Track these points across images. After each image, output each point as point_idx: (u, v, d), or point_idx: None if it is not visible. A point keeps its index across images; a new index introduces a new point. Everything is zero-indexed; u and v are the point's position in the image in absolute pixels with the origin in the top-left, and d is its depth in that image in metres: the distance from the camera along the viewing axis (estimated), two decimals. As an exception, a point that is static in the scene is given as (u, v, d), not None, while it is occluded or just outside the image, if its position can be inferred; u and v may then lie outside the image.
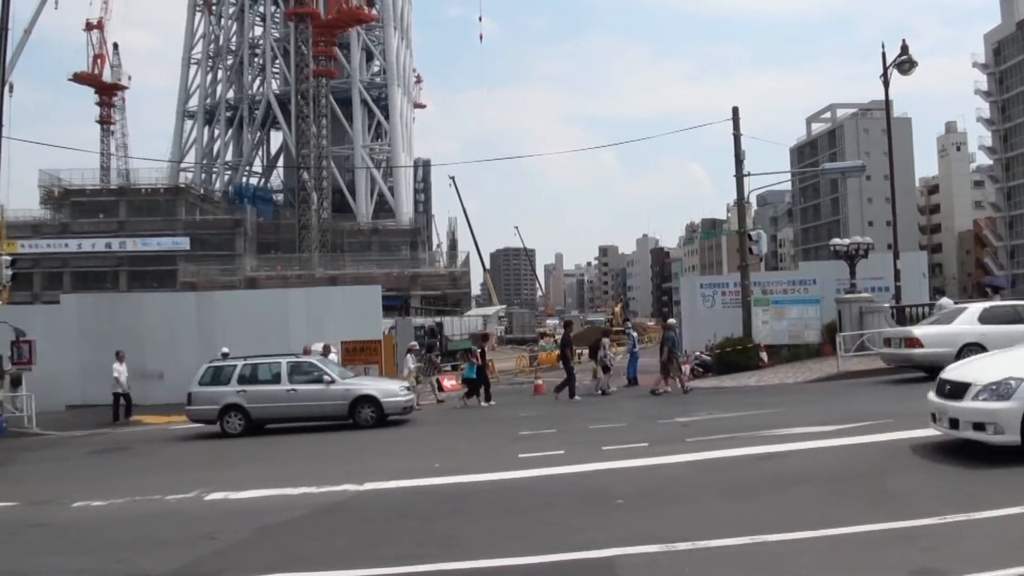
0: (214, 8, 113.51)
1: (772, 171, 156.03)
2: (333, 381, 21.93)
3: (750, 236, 32.31)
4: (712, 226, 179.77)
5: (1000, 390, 10.31)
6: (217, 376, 22.49)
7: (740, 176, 31.91)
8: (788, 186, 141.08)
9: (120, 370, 26.19)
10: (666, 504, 9.88)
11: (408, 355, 28.11)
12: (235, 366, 22.65)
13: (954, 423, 10.83)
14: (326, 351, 26.60)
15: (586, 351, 35.76)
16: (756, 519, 8.78)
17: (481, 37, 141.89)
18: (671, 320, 29.75)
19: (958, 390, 10.87)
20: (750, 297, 31.81)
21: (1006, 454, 10.20)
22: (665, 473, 12.12)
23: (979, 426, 10.43)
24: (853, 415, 15.44)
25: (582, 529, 9.16)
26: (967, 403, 10.62)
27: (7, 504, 13.24)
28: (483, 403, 26.17)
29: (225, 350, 27.63)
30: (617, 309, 72.98)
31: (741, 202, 33.61)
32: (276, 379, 22.14)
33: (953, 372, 11.54)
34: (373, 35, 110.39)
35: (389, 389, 22.32)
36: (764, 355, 30.10)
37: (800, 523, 8.43)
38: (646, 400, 24.33)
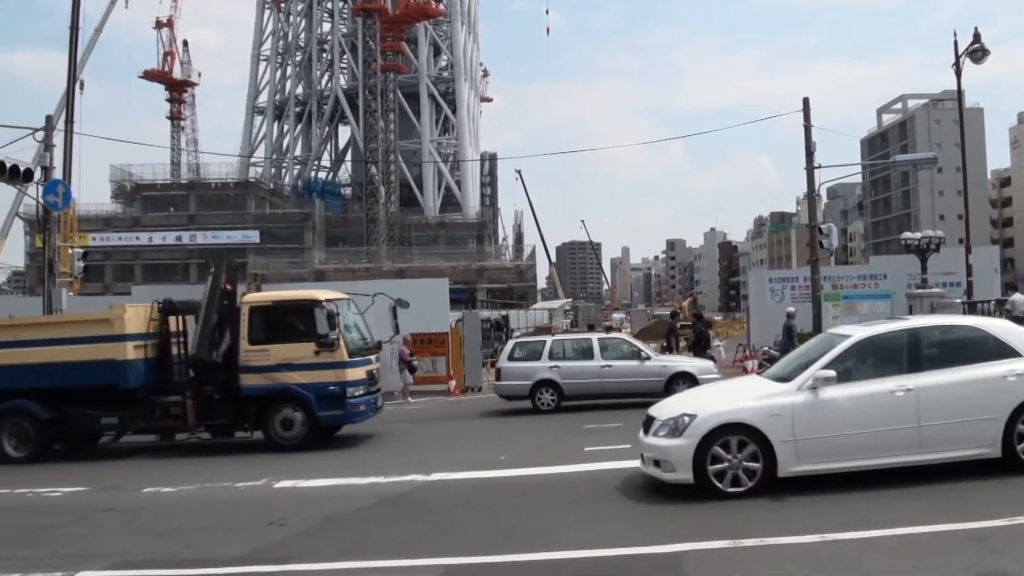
0: (283, 5, 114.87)
1: (842, 163, 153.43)
2: (648, 358, 21.94)
3: (820, 230, 31.78)
4: (781, 220, 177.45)
5: (675, 426, 10.06)
6: (527, 351, 22.58)
7: (811, 169, 31.37)
8: (859, 179, 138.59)
9: None
10: (732, 499, 9.80)
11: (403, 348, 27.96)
12: (544, 341, 22.82)
13: (643, 458, 10.67)
14: (405, 342, 26.58)
15: (652, 345, 35.51)
16: (823, 517, 8.69)
17: (548, 30, 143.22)
18: (791, 309, 29.19)
19: (648, 424, 10.70)
20: (820, 292, 31.36)
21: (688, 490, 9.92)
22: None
23: (657, 463, 10.25)
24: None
25: (647, 524, 9.15)
26: (648, 439, 10.44)
27: (78, 488, 13.56)
28: None
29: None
30: (685, 303, 72.40)
31: (811, 195, 33.07)
32: (588, 355, 22.15)
33: (654, 407, 11.27)
34: (440, 30, 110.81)
35: (705, 367, 22.11)
36: None
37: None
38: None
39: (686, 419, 9.99)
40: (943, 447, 9.78)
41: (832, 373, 9.91)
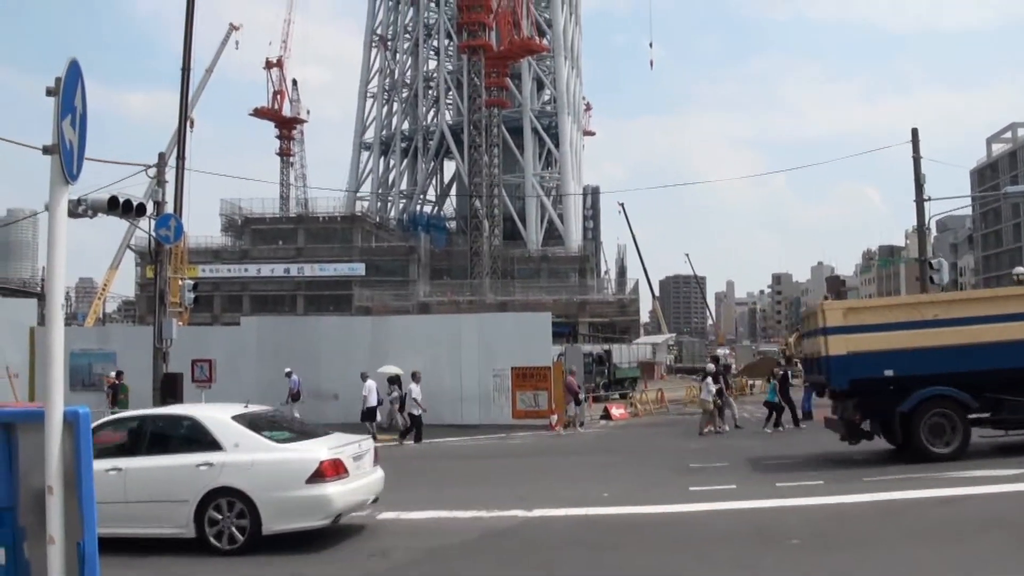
0: (389, 44, 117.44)
1: (952, 195, 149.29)
2: None
3: (931, 265, 30.90)
4: (890, 253, 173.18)
5: None
6: None
7: (920, 201, 30.54)
8: (968, 211, 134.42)
9: (417, 391, 25.57)
10: (842, 547, 9.47)
11: (707, 379, 27.55)
12: None
13: None
14: (415, 378, 25.72)
15: (757, 382, 34.86)
16: (939, 567, 8.33)
17: (652, 64, 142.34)
18: (718, 352, 28.65)
19: None
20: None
21: None
22: (841, 513, 11.66)
23: None
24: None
25: (752, 567, 8.89)
26: None
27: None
28: (788, 425, 25.80)
29: (288, 369, 28.31)
30: (791, 339, 71.00)
31: (922, 228, 32.21)
32: None
33: None
34: (544, 65, 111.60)
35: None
36: None
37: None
38: (821, 434, 23.53)
39: None
40: (148, 524, 10.70)
41: None
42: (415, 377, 25.51)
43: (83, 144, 4.98)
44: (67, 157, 4.78)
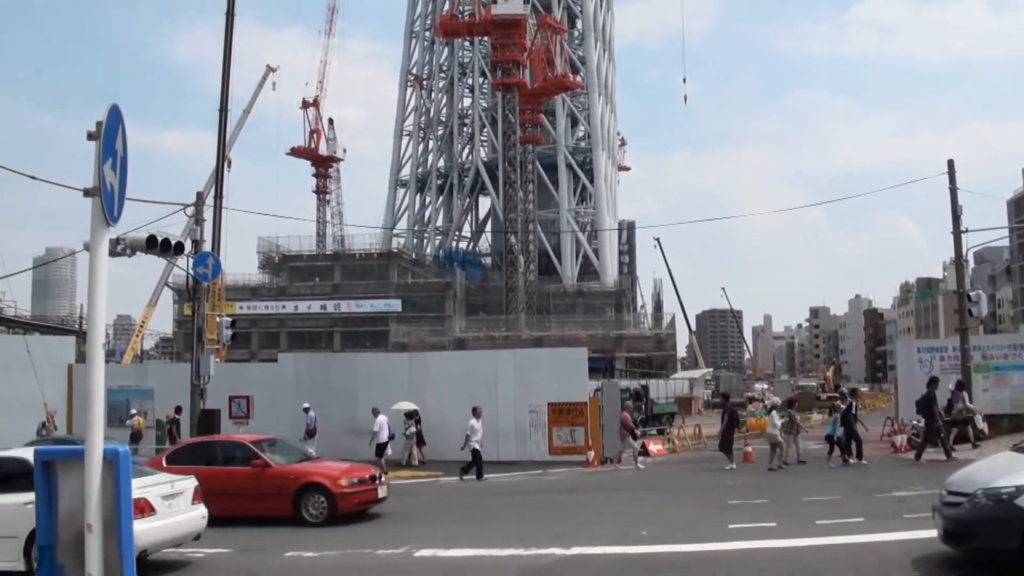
0: (425, 83, 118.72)
1: (989, 227, 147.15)
2: None
3: (969, 297, 30.52)
4: (927, 285, 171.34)
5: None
6: None
7: (958, 233, 30.21)
8: (1006, 242, 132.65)
9: (477, 427, 25.36)
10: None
11: (772, 412, 27.30)
12: None
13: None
14: (476, 414, 25.45)
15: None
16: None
17: (686, 99, 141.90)
18: (960, 379, 28.09)
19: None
20: (970, 363, 29.95)
21: None
22: (882, 551, 11.47)
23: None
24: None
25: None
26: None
27: (220, 551, 13.82)
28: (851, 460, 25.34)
29: (306, 405, 28.28)
30: (829, 373, 70.26)
31: (959, 261, 31.86)
32: None
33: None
34: (578, 101, 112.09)
35: None
36: (984, 426, 27.96)
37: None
38: (861, 471, 23.23)
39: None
40: None
41: None
42: (476, 413, 25.48)
43: (123, 187, 5.06)
44: (108, 200, 4.86)
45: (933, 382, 25.95)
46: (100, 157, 4.93)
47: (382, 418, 27.24)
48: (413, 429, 28.54)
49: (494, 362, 32.43)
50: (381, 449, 26.91)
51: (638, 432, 29.39)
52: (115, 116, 5.06)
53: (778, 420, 25.73)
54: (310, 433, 28.76)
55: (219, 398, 28.02)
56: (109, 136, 5.00)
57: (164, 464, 16.70)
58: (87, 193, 4.98)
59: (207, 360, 27.52)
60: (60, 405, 29.28)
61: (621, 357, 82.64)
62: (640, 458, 28.68)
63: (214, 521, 17.51)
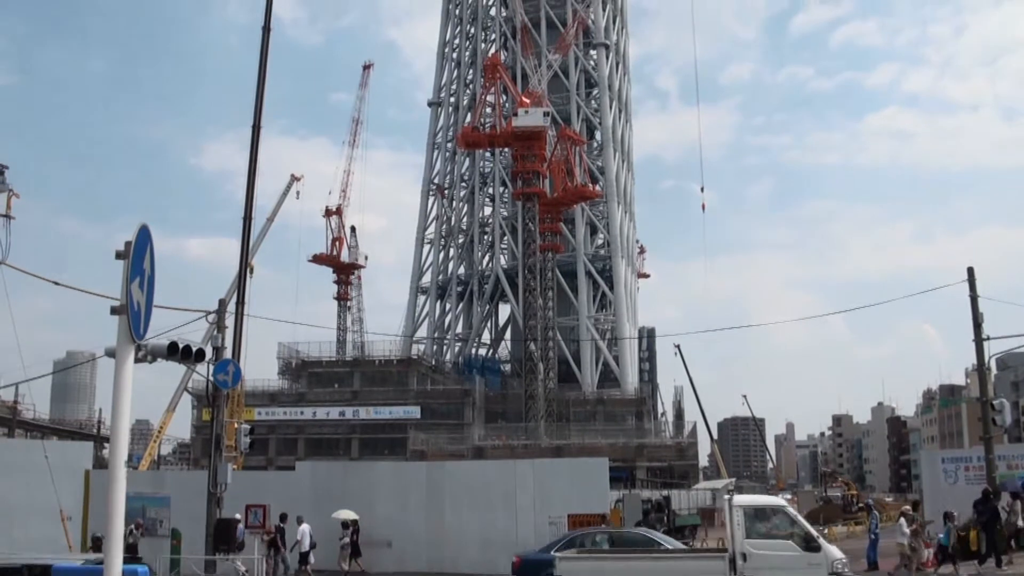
0: (446, 192, 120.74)
1: (1011, 334, 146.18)
2: None
3: (992, 406, 30.21)
4: (950, 392, 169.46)
5: None
6: None
7: (979, 341, 30.09)
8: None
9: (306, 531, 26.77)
10: None
11: (901, 519, 26.76)
12: None
13: None
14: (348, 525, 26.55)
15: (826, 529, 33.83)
16: None
17: (704, 207, 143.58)
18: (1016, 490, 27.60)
19: None
20: (995, 474, 29.48)
21: None
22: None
23: None
24: None
25: None
26: None
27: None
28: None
29: (299, 516, 27.95)
30: (852, 489, 69.27)
31: (982, 369, 31.61)
32: None
33: None
34: (597, 210, 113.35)
35: None
36: (1012, 540, 27.32)
37: None
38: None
39: None
40: None
41: None
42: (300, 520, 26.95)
43: (150, 305, 5.13)
44: (135, 318, 4.94)
45: (993, 496, 25.73)
46: (128, 276, 5.01)
47: (305, 527, 27.37)
48: (347, 540, 28.21)
49: (513, 472, 32.11)
50: (304, 557, 27.09)
51: None
52: (144, 236, 5.15)
53: (907, 528, 25.30)
54: (311, 546, 27.97)
55: (236, 506, 27.78)
56: (138, 255, 5.09)
57: None
58: (114, 311, 5.07)
59: (225, 468, 27.39)
60: (76, 512, 29.06)
61: (642, 466, 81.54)
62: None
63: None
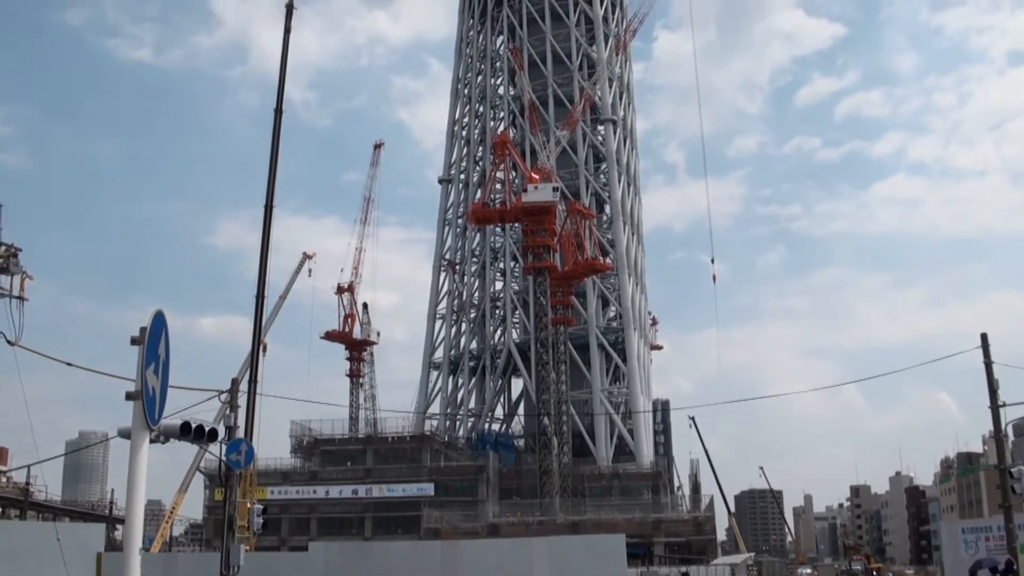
0: (457, 267, 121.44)
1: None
2: None
3: (1011, 473, 29.85)
4: (968, 460, 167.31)
5: None
6: None
7: (995, 407, 29.85)
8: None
9: None
10: None
11: None
12: None
13: None
14: None
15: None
16: None
17: (715, 278, 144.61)
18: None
19: None
20: (1016, 543, 29.03)
21: None
22: None
23: None
24: None
25: None
26: None
27: None
28: None
29: None
30: (875, 564, 68.11)
31: (999, 436, 31.31)
32: None
33: None
34: (608, 282, 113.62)
35: None
36: None
37: None
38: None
39: None
40: None
41: None
42: None
43: (165, 389, 5.15)
44: (149, 404, 4.95)
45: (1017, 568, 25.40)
46: (143, 362, 5.03)
47: None
48: None
49: (528, 550, 31.83)
50: None
51: None
52: (159, 322, 5.15)
53: None
54: None
55: (249, 589, 27.51)
56: (153, 341, 5.11)
57: None
58: (129, 396, 5.07)
59: (237, 549, 27.09)
60: (88, 596, 28.75)
61: (659, 542, 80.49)
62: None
63: None
